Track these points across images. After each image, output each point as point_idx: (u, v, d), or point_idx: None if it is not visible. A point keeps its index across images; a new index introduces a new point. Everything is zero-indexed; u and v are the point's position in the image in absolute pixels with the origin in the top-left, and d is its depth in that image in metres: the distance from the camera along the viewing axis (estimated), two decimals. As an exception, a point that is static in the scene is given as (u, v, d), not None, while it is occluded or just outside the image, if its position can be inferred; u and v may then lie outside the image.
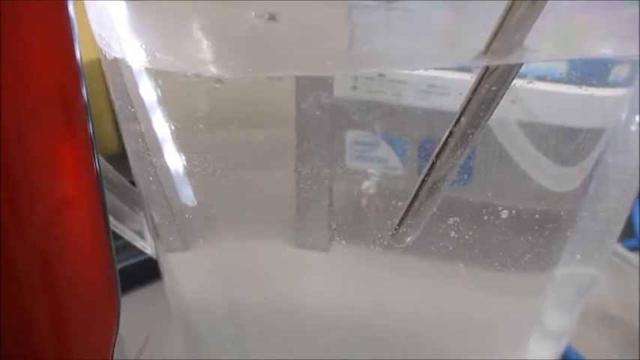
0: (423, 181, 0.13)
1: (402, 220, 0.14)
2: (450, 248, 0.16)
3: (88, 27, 0.14)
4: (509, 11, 0.12)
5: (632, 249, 0.28)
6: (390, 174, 0.20)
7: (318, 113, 0.19)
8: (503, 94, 0.12)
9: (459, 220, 0.16)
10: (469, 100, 0.12)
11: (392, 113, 0.19)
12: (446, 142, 0.13)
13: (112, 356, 0.13)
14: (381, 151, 0.20)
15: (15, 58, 0.10)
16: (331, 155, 0.20)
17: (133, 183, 0.20)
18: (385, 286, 0.21)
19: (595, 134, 0.16)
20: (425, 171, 0.14)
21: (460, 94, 0.14)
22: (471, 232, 0.16)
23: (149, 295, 0.26)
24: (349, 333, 0.22)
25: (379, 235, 0.20)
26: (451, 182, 0.14)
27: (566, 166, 0.17)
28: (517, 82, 0.14)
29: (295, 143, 0.20)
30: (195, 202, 0.18)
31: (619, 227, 0.18)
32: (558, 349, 0.22)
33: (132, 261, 0.27)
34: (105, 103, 0.21)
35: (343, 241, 0.21)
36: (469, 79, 0.14)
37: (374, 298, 0.21)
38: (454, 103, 0.15)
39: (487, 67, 0.12)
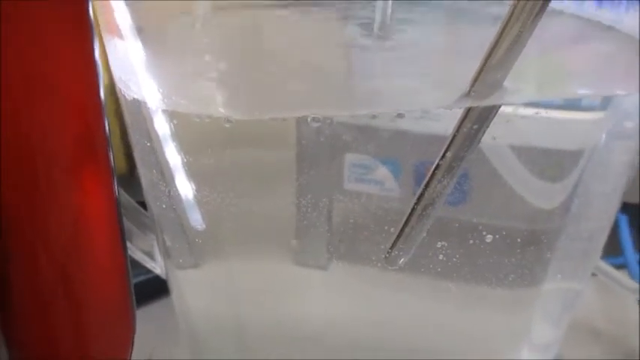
0: (414, 208, 0.15)
1: (394, 243, 0.15)
2: (439, 269, 0.17)
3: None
4: (489, 55, 0.13)
5: (619, 267, 0.29)
6: (386, 195, 0.21)
7: (317, 139, 0.20)
8: (485, 130, 0.14)
9: (446, 244, 0.17)
10: (454, 137, 0.14)
11: (388, 138, 0.20)
12: (433, 173, 0.14)
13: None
14: (378, 174, 0.21)
15: (49, 95, 0.11)
16: (330, 178, 0.21)
17: (141, 204, 0.22)
18: (380, 303, 0.22)
19: (574, 156, 0.17)
20: (415, 199, 0.15)
21: (452, 120, 0.16)
22: (458, 255, 0.17)
23: (155, 311, 0.27)
24: (346, 346, 0.23)
25: (375, 255, 0.21)
26: (439, 209, 0.15)
27: (548, 186, 0.18)
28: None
29: (296, 167, 0.21)
30: (204, 226, 0.19)
31: (600, 244, 0.19)
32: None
33: (140, 278, 0.28)
34: (114, 127, 0.22)
35: (341, 260, 0.22)
36: (460, 107, 0.15)
37: (370, 313, 0.22)
38: (446, 128, 0.17)
39: (469, 108, 0.13)
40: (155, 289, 0.26)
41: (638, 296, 0.27)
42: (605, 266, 0.27)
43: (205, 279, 0.23)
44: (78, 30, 0.11)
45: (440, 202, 0.15)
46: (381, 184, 0.21)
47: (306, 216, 0.22)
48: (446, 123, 0.19)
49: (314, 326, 0.23)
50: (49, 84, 0.11)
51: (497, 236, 0.17)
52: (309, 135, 0.20)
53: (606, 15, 0.16)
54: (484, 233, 0.16)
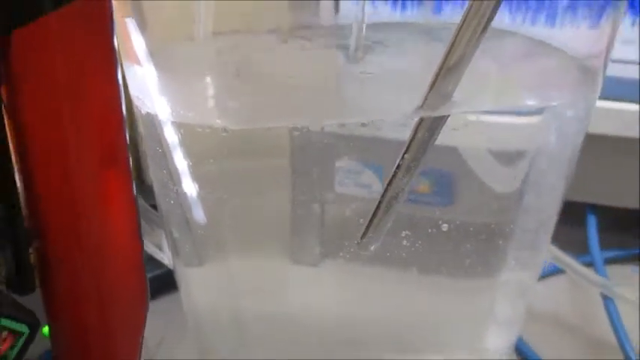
0: (380, 202, 0.18)
1: (364, 232, 0.18)
2: (404, 254, 0.20)
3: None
4: (438, 73, 0.16)
5: (587, 264, 0.32)
6: (373, 197, 0.24)
7: (310, 148, 0.23)
8: (436, 136, 0.17)
9: (410, 232, 0.20)
10: (410, 142, 0.17)
11: (374, 145, 0.23)
12: (395, 172, 0.17)
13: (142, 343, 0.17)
14: (365, 177, 0.23)
15: (83, 110, 0.14)
16: (322, 182, 0.23)
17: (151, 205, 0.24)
18: (365, 294, 0.24)
19: (520, 156, 0.20)
20: (380, 194, 0.18)
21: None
22: (420, 242, 0.20)
23: (164, 304, 0.30)
24: (335, 333, 0.25)
25: (371, 256, 0.24)
26: (402, 202, 0.18)
27: (500, 183, 0.21)
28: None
29: (290, 173, 0.24)
30: (206, 221, 0.22)
31: (549, 234, 0.22)
32: (510, 340, 0.26)
33: (150, 275, 0.30)
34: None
35: (331, 258, 0.25)
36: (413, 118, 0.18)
37: (356, 303, 0.25)
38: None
39: (422, 118, 0.16)
40: (164, 283, 0.28)
41: (602, 290, 0.30)
42: (574, 263, 0.30)
43: (209, 275, 0.25)
44: (106, 58, 0.14)
45: (402, 197, 0.18)
46: (368, 187, 0.24)
47: (300, 217, 0.25)
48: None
49: (306, 317, 0.25)
50: (84, 101, 0.14)
51: (451, 225, 0.19)
52: (302, 144, 0.23)
53: (543, 32, 0.19)
54: (440, 222, 0.19)
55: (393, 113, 0.18)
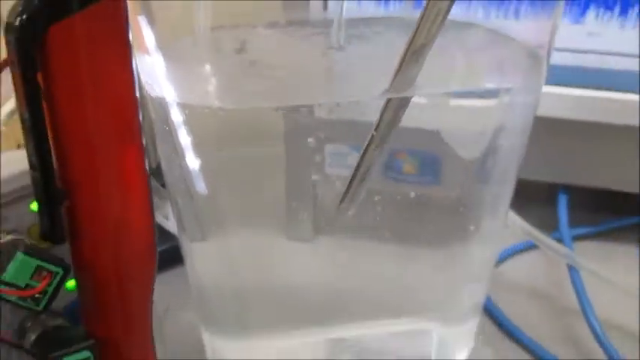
0: (355, 173, 0.21)
1: (342, 198, 0.21)
2: (378, 219, 0.23)
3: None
4: (402, 60, 0.19)
5: (557, 240, 0.34)
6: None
7: (302, 132, 0.25)
8: (402, 116, 0.20)
9: (381, 197, 0.23)
10: (379, 121, 0.19)
11: (360, 129, 0.26)
12: (366, 148, 0.20)
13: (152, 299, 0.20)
14: (352, 159, 0.26)
15: (105, 94, 0.17)
16: (313, 164, 0.26)
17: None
18: (351, 265, 0.27)
19: (483, 133, 0.23)
20: (355, 166, 0.21)
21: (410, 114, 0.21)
22: (391, 207, 0.23)
23: (169, 277, 0.33)
24: (324, 300, 0.28)
25: (352, 228, 0.26)
26: (373, 173, 0.21)
27: (463, 158, 0.24)
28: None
29: (285, 156, 0.27)
30: (207, 193, 0.24)
31: (505, 208, 0.25)
32: (479, 302, 0.29)
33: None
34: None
35: (323, 234, 0.27)
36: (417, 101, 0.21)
37: (344, 273, 0.27)
38: (406, 119, 0.22)
39: (389, 99, 0.19)
40: (171, 258, 0.30)
41: (567, 261, 0.33)
42: (543, 236, 0.33)
43: (211, 250, 0.28)
44: (122, 50, 0.17)
45: (373, 169, 0.21)
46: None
47: (293, 197, 0.27)
48: (410, 119, 0.25)
49: (299, 287, 0.28)
50: (105, 85, 0.17)
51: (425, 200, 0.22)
52: (295, 129, 0.25)
53: (497, 23, 0.22)
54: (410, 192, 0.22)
55: (365, 95, 0.21)
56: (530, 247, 0.37)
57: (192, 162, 0.22)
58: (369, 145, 0.20)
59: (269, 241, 0.28)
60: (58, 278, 0.16)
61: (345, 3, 0.25)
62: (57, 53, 0.15)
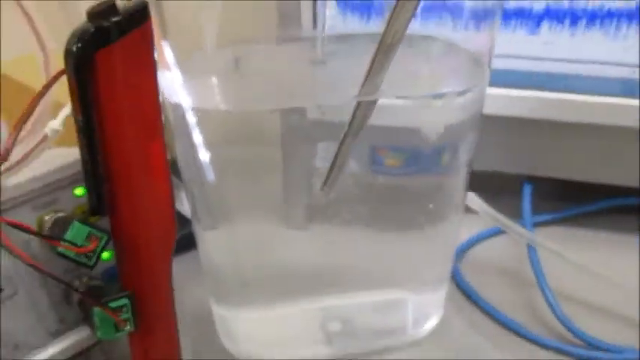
0: (333, 162, 0.25)
1: (325, 182, 0.26)
2: (371, 220, 0.28)
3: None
4: (370, 69, 0.24)
5: (522, 225, 0.39)
6: (348, 172, 0.31)
7: (296, 132, 0.30)
8: (370, 116, 0.24)
9: (370, 201, 0.28)
10: (351, 120, 0.24)
11: (375, 131, 0.28)
12: (341, 142, 0.25)
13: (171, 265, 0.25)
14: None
15: (137, 100, 0.21)
16: (307, 160, 0.30)
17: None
18: (339, 247, 0.32)
19: (438, 132, 0.28)
20: (333, 157, 0.25)
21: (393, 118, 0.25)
22: (366, 190, 0.28)
23: (185, 259, 0.36)
24: (317, 277, 0.32)
25: (343, 218, 0.31)
26: (347, 162, 0.25)
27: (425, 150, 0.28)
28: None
29: (281, 153, 0.31)
30: (216, 182, 0.29)
31: (461, 194, 0.30)
32: (445, 275, 0.33)
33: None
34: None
35: (317, 223, 0.32)
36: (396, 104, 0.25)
37: (333, 254, 0.32)
38: (388, 120, 0.27)
39: (358, 102, 0.24)
40: (186, 244, 0.33)
41: (528, 241, 0.37)
42: (506, 220, 0.37)
43: (220, 236, 0.32)
44: (149, 67, 0.22)
45: (346, 159, 0.25)
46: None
47: (290, 189, 0.32)
48: (388, 120, 0.30)
49: (295, 268, 0.33)
50: (137, 94, 0.22)
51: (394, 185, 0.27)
52: (292, 129, 0.30)
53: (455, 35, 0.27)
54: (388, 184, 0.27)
55: (340, 99, 0.26)
56: (498, 232, 0.41)
57: (204, 156, 0.27)
58: (343, 139, 0.25)
59: (270, 230, 0.32)
60: (103, 242, 0.21)
61: (328, 21, 0.29)
62: (102, 71, 0.20)
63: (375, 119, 0.27)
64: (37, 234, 0.21)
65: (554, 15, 0.37)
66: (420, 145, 0.29)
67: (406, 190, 0.31)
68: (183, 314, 0.27)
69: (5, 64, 0.49)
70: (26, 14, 0.35)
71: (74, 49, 0.20)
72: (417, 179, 0.31)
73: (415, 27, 0.24)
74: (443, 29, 0.27)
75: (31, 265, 0.20)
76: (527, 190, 0.41)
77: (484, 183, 0.36)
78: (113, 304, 0.21)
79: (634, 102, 0.37)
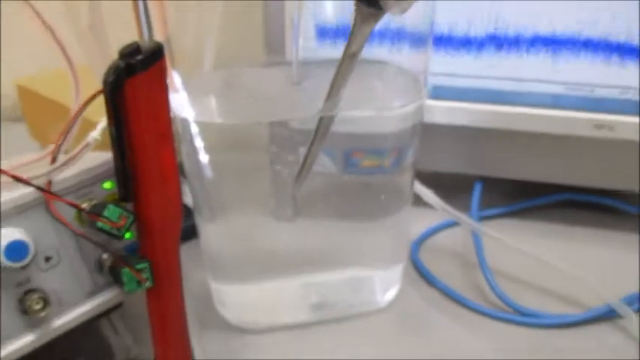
0: (303, 164, 0.33)
1: (296, 179, 0.34)
2: (339, 212, 0.36)
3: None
4: (331, 89, 0.31)
5: (470, 218, 0.46)
6: (326, 172, 0.38)
7: (282, 139, 0.37)
8: (330, 127, 0.32)
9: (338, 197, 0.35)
10: (316, 130, 0.32)
11: (337, 138, 0.35)
12: (309, 148, 0.32)
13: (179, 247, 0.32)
14: (320, 159, 0.36)
15: (154, 118, 0.29)
16: (291, 162, 0.37)
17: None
18: (318, 234, 0.39)
19: (397, 133, 0.35)
20: (302, 160, 0.33)
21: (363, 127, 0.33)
22: (332, 187, 0.35)
23: (188, 247, 0.41)
24: (299, 257, 0.39)
25: (322, 212, 0.38)
26: (313, 164, 0.33)
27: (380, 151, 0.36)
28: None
29: (269, 157, 0.38)
30: (215, 181, 0.36)
31: (410, 189, 0.37)
32: (403, 258, 0.41)
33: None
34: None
35: (301, 216, 0.39)
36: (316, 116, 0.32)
37: (313, 240, 0.39)
38: (357, 129, 0.34)
39: (321, 117, 0.32)
40: (190, 234, 0.40)
41: (472, 229, 0.45)
42: (456, 212, 0.44)
43: (219, 227, 0.38)
44: (163, 91, 0.29)
45: (313, 161, 0.33)
46: (323, 166, 0.38)
47: (277, 187, 0.39)
48: (358, 128, 0.37)
49: (282, 254, 0.39)
50: (154, 112, 0.29)
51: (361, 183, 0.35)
52: (278, 137, 0.37)
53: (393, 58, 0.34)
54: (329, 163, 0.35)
55: (308, 113, 0.33)
56: (452, 224, 0.49)
57: (204, 159, 0.35)
58: (310, 145, 0.32)
59: (260, 221, 0.39)
60: (130, 220, 0.28)
61: (309, 48, 0.37)
62: (129, 96, 0.28)
63: (342, 128, 0.35)
64: (85, 211, 0.28)
65: (494, 42, 0.45)
66: (377, 149, 0.37)
67: (369, 187, 0.39)
68: (188, 290, 0.33)
69: (29, 79, 0.57)
70: (49, 28, 0.35)
71: (110, 80, 0.27)
72: (376, 178, 0.38)
73: (367, 53, 0.31)
74: (389, 54, 0.35)
75: (79, 235, 0.28)
76: (477, 188, 0.49)
77: (441, 182, 0.43)
78: (138, 266, 0.29)
79: (562, 113, 0.45)
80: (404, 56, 0.34)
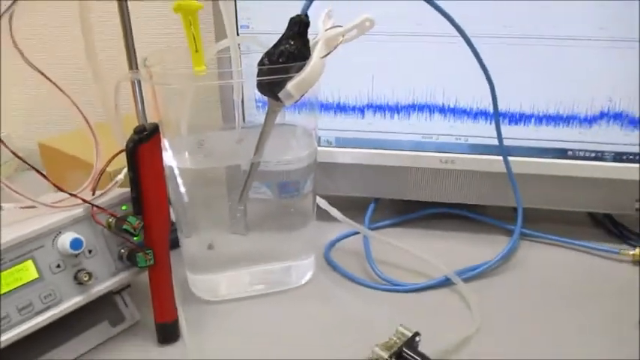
0: (242, 191, 0.55)
1: (238, 201, 0.55)
2: (273, 225, 0.57)
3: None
4: (257, 145, 0.53)
5: (363, 226, 0.69)
6: (266, 198, 0.61)
7: (236, 176, 0.59)
8: (258, 168, 0.54)
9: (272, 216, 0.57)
10: (249, 171, 0.54)
11: (266, 174, 0.58)
12: (245, 183, 0.54)
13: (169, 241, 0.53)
14: (262, 189, 0.59)
15: (153, 166, 0.50)
16: (242, 192, 0.60)
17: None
18: (261, 240, 0.61)
19: (303, 170, 0.57)
20: (242, 186, 0.55)
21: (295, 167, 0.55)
22: (275, 214, 0.57)
23: (172, 254, 0.64)
24: (248, 255, 0.61)
25: (267, 226, 0.60)
26: (250, 188, 0.55)
27: (292, 186, 0.58)
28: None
29: (226, 188, 0.60)
30: (190, 207, 0.58)
31: (313, 209, 0.59)
32: (312, 250, 0.63)
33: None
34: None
35: (251, 230, 0.60)
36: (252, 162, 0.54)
37: (258, 244, 0.61)
38: (291, 169, 0.56)
39: (252, 162, 0.53)
40: (174, 244, 0.59)
41: (364, 233, 0.66)
42: (354, 223, 0.66)
43: (193, 241, 0.60)
44: (159, 149, 0.51)
45: (250, 187, 0.55)
46: (264, 193, 0.60)
47: (232, 211, 0.61)
48: (291, 166, 0.59)
49: (236, 251, 0.60)
50: (154, 164, 0.50)
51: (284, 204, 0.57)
52: (231, 176, 0.59)
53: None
54: (268, 192, 0.57)
55: (244, 160, 0.55)
56: (354, 233, 0.70)
57: (183, 191, 0.56)
58: (245, 180, 0.54)
59: (221, 235, 0.60)
60: (141, 225, 0.49)
61: (251, 116, 0.59)
62: (141, 155, 0.49)
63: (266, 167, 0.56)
64: (117, 217, 0.49)
65: (376, 107, 0.68)
66: (290, 180, 0.59)
67: (289, 206, 0.60)
68: (175, 279, 0.55)
69: (54, 139, 0.77)
70: (66, 95, 0.50)
71: (130, 146, 0.49)
72: (292, 200, 0.60)
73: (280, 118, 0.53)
74: (291, 117, 0.57)
75: (113, 232, 0.49)
76: (371, 207, 0.71)
77: (346, 203, 0.65)
78: (147, 251, 0.50)
79: (420, 153, 0.68)
80: (301, 117, 0.57)
